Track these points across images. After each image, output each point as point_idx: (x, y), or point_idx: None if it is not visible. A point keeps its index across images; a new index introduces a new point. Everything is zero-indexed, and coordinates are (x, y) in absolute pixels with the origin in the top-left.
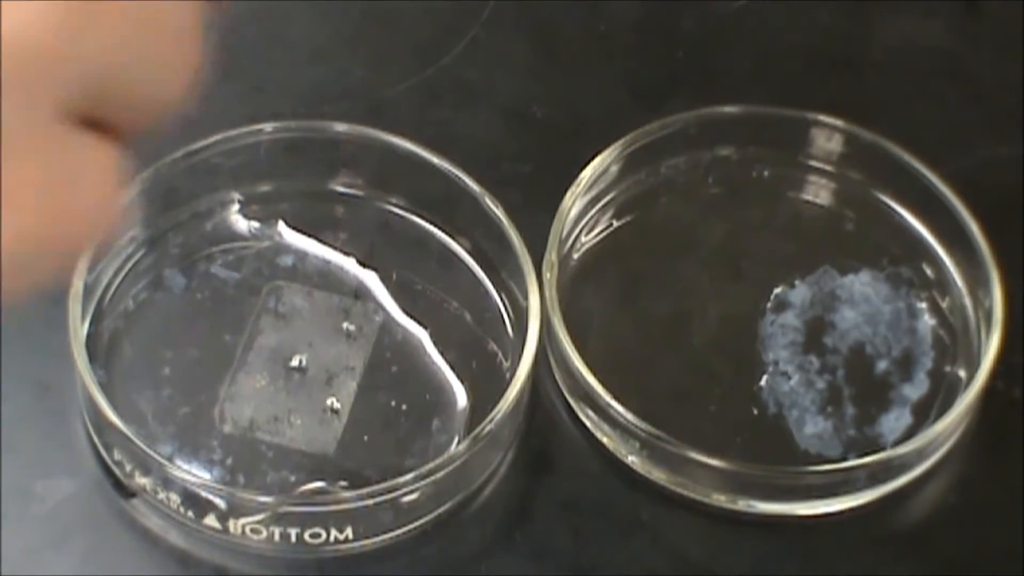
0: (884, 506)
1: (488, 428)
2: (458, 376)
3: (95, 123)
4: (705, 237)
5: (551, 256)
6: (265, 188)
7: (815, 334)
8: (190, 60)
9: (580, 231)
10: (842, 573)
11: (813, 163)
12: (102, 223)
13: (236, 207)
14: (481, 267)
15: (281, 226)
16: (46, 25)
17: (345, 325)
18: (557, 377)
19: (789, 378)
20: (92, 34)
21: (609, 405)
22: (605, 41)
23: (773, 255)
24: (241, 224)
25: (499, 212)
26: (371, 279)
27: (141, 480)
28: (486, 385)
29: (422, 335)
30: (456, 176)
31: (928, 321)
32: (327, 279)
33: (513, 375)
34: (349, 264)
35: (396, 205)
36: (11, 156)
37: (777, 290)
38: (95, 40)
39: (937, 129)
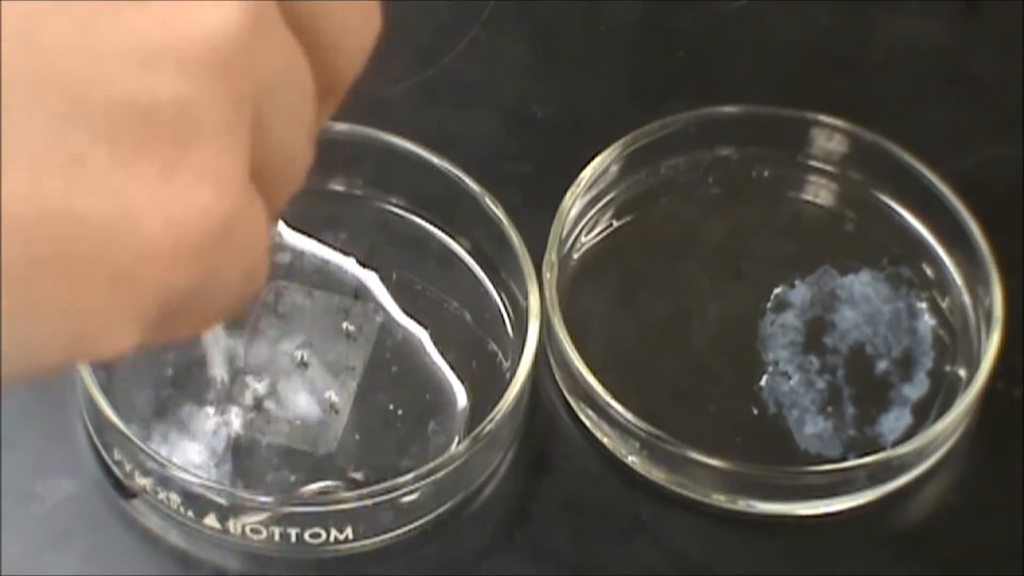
0: (884, 506)
1: (488, 428)
2: (458, 376)
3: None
4: (705, 237)
5: (551, 256)
6: None
7: (815, 334)
8: (312, 138)
9: (580, 231)
10: (842, 573)
11: (813, 163)
12: (249, 280)
13: None
14: (481, 267)
15: (281, 226)
16: (243, 18)
17: (345, 325)
18: (557, 377)
19: (789, 378)
20: (268, 52)
21: (609, 405)
22: (605, 41)
23: (773, 255)
24: None
25: (499, 212)
26: (371, 279)
27: (141, 480)
28: (486, 385)
29: (422, 335)
30: (456, 176)
31: (928, 321)
32: (327, 279)
33: (513, 375)
34: (349, 264)
35: (396, 205)
36: (216, 137)
37: (777, 290)
38: (269, 61)
39: (937, 129)
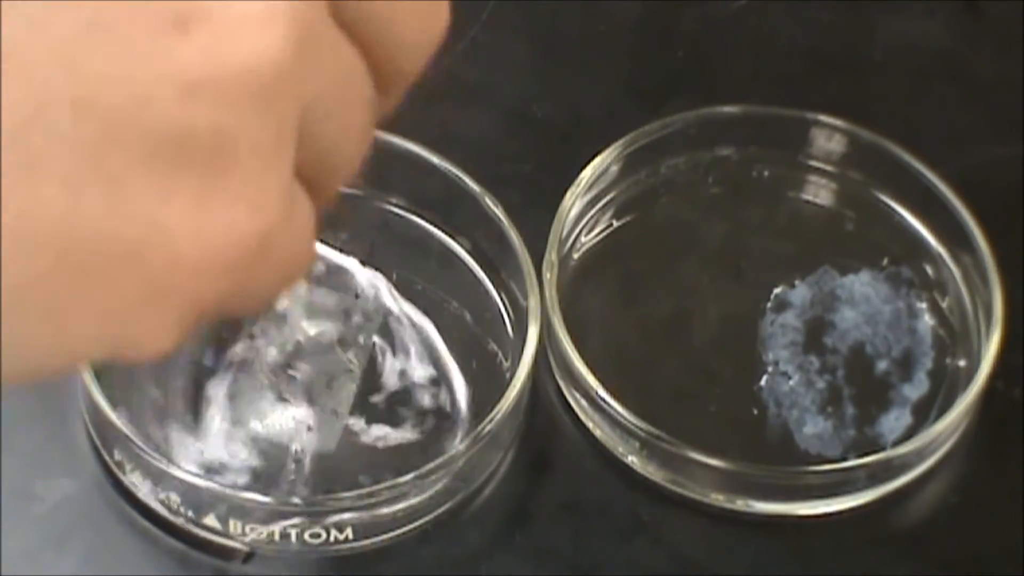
0: (884, 506)
1: (488, 428)
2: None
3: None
4: (705, 237)
5: (551, 256)
6: None
7: (815, 334)
8: (367, 137)
9: (580, 231)
10: (842, 573)
11: (813, 163)
12: (288, 281)
13: None
14: (481, 267)
15: None
16: (286, 45)
17: (345, 326)
18: (557, 377)
19: (789, 378)
20: (317, 67)
21: (609, 405)
22: (605, 41)
23: (773, 255)
24: None
25: (499, 212)
26: (371, 279)
27: (141, 480)
28: (486, 385)
29: (425, 335)
30: (456, 176)
31: (928, 321)
32: (327, 279)
33: (513, 375)
34: (349, 264)
35: (396, 205)
36: (259, 160)
37: (777, 290)
38: (314, 75)
39: (937, 129)
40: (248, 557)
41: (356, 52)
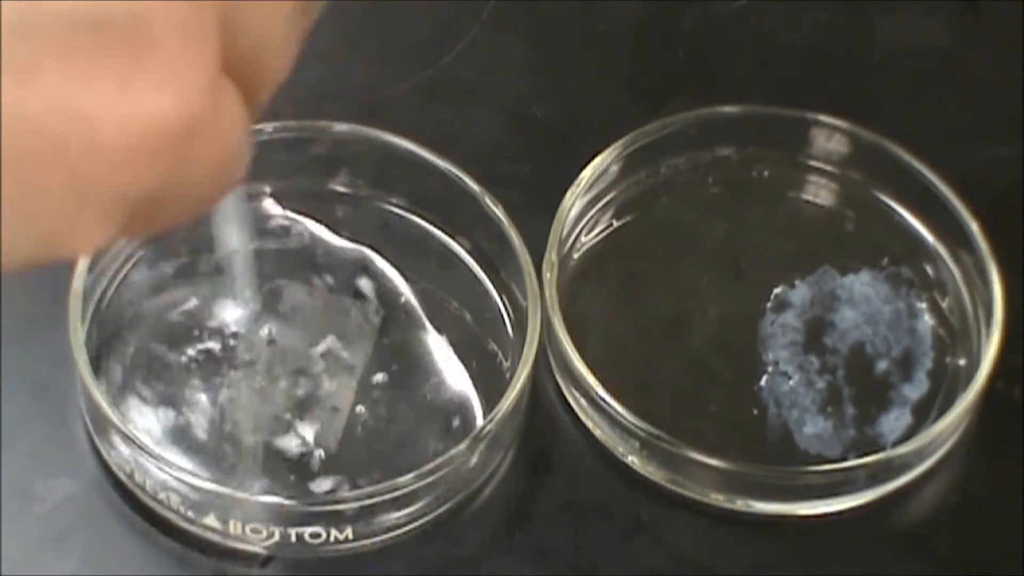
0: (884, 506)
1: (488, 428)
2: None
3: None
4: (705, 237)
5: (551, 256)
6: (265, 188)
7: (815, 334)
8: (294, 30)
9: (580, 231)
10: (842, 573)
11: (813, 163)
12: (217, 181)
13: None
14: (481, 267)
15: (282, 225)
16: None
17: (345, 325)
18: (557, 377)
19: (789, 378)
20: None
21: (609, 405)
22: (605, 41)
23: (773, 255)
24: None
25: (499, 212)
26: (372, 278)
27: (141, 480)
28: (486, 385)
29: (427, 335)
30: (456, 176)
31: (928, 321)
32: (328, 278)
33: (513, 375)
34: (350, 263)
35: (396, 205)
36: (180, 40)
37: (777, 290)
38: None
39: (937, 129)
40: (267, 561)
41: None
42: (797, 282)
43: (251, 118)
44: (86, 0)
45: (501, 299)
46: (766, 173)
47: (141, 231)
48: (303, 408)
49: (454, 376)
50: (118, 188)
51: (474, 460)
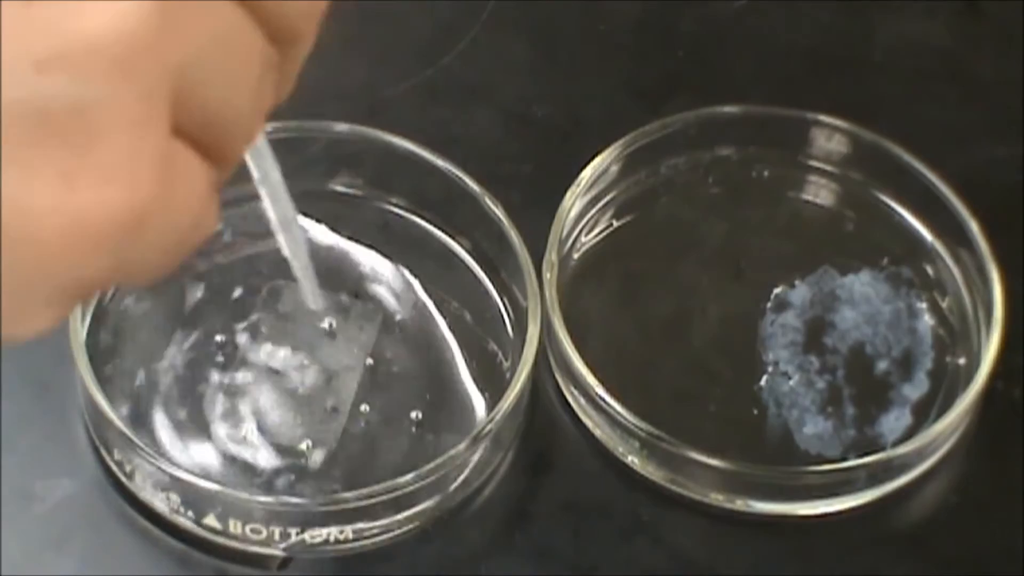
0: (884, 506)
1: (488, 428)
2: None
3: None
4: (705, 237)
5: (551, 256)
6: None
7: (815, 334)
8: (263, 93)
9: (580, 231)
10: (842, 573)
11: (813, 163)
12: (179, 249)
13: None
14: (481, 267)
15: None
16: (142, 12)
17: (345, 325)
18: (557, 377)
19: (789, 378)
20: (186, 28)
21: (609, 405)
22: (605, 41)
23: (773, 255)
24: (241, 224)
25: (499, 212)
26: (372, 278)
27: (141, 480)
28: (486, 385)
29: (427, 334)
30: (456, 176)
31: (928, 321)
32: (328, 278)
33: (513, 375)
34: (350, 263)
35: (396, 205)
36: (125, 134)
37: (777, 290)
38: (183, 39)
39: (937, 129)
40: (285, 563)
41: (237, 6)
42: (797, 282)
43: (219, 178)
44: (26, 91)
45: (501, 299)
46: (766, 173)
47: (89, 298)
48: (304, 408)
49: (454, 376)
50: (66, 278)
51: (474, 460)
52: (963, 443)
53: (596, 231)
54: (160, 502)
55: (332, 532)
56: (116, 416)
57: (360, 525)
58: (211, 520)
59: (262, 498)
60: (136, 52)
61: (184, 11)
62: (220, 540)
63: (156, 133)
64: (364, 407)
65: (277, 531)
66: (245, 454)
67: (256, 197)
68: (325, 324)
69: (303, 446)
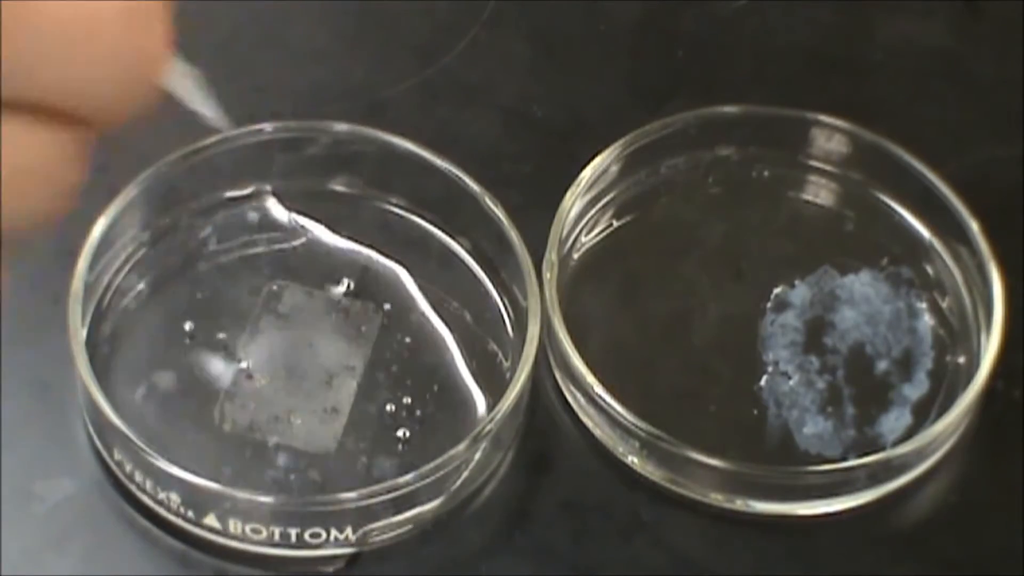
0: (884, 506)
1: (488, 428)
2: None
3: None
4: (705, 237)
5: (551, 256)
6: (266, 188)
7: (815, 334)
8: (126, 82)
9: (580, 231)
10: (842, 573)
11: (813, 163)
12: (50, 210)
13: (237, 207)
14: (481, 267)
15: (282, 225)
16: None
17: (345, 325)
18: (557, 377)
19: (789, 378)
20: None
21: (609, 405)
22: (605, 41)
23: (773, 255)
24: (241, 224)
25: (499, 212)
26: (372, 278)
27: (141, 480)
28: (486, 385)
29: (427, 333)
30: (456, 176)
31: (928, 321)
32: (328, 278)
33: (513, 375)
34: (350, 263)
35: (396, 205)
36: None
37: (777, 290)
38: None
39: (937, 129)
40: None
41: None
42: (797, 282)
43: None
44: None
45: (501, 299)
46: (766, 173)
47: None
48: (304, 408)
49: (454, 376)
50: None
51: (474, 460)
52: (963, 443)
53: (596, 231)
54: (160, 502)
55: (332, 532)
56: (116, 416)
57: (360, 525)
58: (211, 520)
59: (262, 498)
60: None
61: None
62: (220, 540)
63: None
64: (364, 407)
65: (277, 531)
66: (245, 454)
67: (255, 197)
68: (325, 325)
69: (303, 446)
